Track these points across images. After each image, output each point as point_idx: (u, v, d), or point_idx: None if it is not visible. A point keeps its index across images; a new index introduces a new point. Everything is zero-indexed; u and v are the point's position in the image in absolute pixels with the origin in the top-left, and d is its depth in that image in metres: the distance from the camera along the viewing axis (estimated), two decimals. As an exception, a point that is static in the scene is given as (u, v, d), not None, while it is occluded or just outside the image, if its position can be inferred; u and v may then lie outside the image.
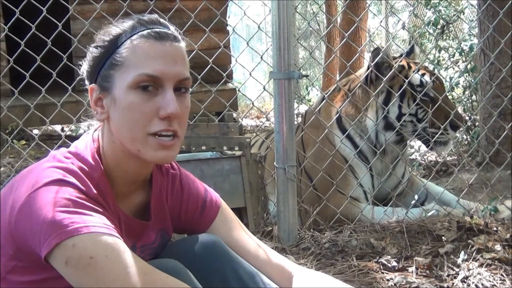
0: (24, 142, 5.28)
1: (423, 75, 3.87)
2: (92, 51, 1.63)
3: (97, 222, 1.47)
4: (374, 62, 3.77)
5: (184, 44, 1.64)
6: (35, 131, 6.87)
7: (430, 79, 3.85)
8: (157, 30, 1.59)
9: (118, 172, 1.65)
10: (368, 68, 3.90)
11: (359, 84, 3.88)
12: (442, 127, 3.71)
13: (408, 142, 4.10)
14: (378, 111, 3.81)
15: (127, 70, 1.55)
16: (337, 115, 3.89)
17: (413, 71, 3.87)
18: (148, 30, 1.58)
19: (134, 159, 1.62)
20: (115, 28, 1.61)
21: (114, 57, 1.58)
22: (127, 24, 1.61)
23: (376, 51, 3.84)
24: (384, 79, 3.71)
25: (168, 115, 1.54)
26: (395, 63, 3.86)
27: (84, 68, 1.68)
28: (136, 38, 1.57)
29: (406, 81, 3.80)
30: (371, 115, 3.80)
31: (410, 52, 4.09)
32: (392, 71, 3.77)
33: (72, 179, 1.52)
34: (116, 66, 1.57)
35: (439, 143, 3.81)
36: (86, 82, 1.68)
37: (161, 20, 1.65)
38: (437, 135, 3.74)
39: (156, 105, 1.55)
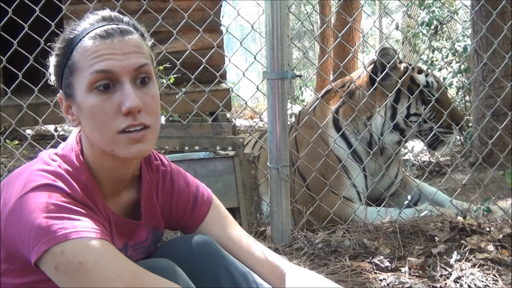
0: (17, 142, 5.25)
1: (426, 75, 3.92)
2: (52, 60, 1.62)
3: (85, 227, 1.46)
4: (382, 62, 3.78)
5: (136, 35, 1.59)
6: (28, 131, 6.85)
7: (434, 79, 3.92)
8: (104, 28, 1.55)
9: (103, 173, 1.64)
10: (373, 69, 3.90)
11: (362, 84, 3.89)
12: (457, 127, 3.83)
13: (406, 142, 4.12)
14: (387, 111, 3.83)
15: (81, 74, 1.53)
16: (333, 115, 3.89)
17: (417, 72, 3.95)
18: (96, 30, 1.55)
19: (113, 159, 1.60)
20: (69, 34, 1.58)
21: (68, 63, 1.56)
22: (80, 27, 1.58)
23: (384, 51, 3.85)
24: (400, 80, 3.77)
25: (128, 109, 1.51)
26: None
27: (52, 77, 1.66)
28: (85, 41, 1.54)
29: (422, 82, 3.88)
30: (379, 115, 3.82)
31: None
32: (408, 72, 3.85)
33: (59, 183, 1.52)
34: (72, 73, 1.55)
35: (441, 143, 3.85)
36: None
37: (114, 15, 1.61)
38: (445, 135, 3.85)
39: (117, 102, 1.52)
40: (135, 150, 1.55)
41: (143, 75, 1.56)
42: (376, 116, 3.83)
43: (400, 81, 3.76)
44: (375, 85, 3.75)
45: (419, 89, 3.80)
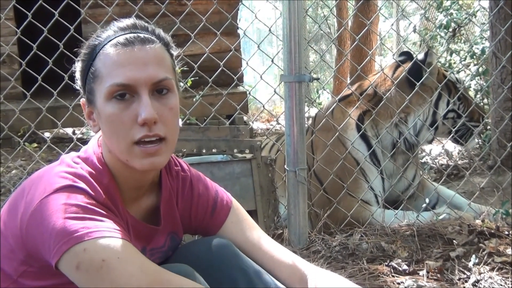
0: (35, 145, 5.29)
1: (450, 74, 4.01)
2: (78, 66, 1.64)
3: (107, 227, 1.47)
4: (428, 63, 3.83)
5: (158, 44, 1.60)
6: (47, 134, 6.90)
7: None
8: (126, 36, 1.56)
9: (121, 178, 1.65)
10: (394, 71, 3.94)
11: (389, 87, 3.89)
12: (484, 116, 4.04)
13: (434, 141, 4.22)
14: (428, 110, 3.86)
15: (102, 82, 1.54)
16: (358, 117, 3.86)
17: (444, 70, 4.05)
18: (118, 37, 1.56)
19: (130, 168, 1.61)
20: (93, 40, 1.60)
21: (91, 70, 1.57)
22: (104, 34, 1.60)
23: (428, 52, 3.91)
24: (445, 79, 3.85)
25: (143, 120, 1.51)
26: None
27: (78, 83, 1.68)
28: (107, 48, 1.55)
29: (453, 79, 3.97)
30: (421, 114, 3.86)
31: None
32: (442, 72, 3.93)
33: (82, 184, 1.53)
34: (94, 79, 1.57)
35: (471, 135, 3.92)
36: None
37: (138, 23, 1.63)
38: (476, 128, 3.95)
39: (134, 112, 1.53)
40: (148, 163, 1.56)
41: (162, 87, 1.57)
42: (415, 117, 3.82)
43: (439, 79, 3.85)
44: (416, 87, 3.70)
45: (453, 85, 3.91)
